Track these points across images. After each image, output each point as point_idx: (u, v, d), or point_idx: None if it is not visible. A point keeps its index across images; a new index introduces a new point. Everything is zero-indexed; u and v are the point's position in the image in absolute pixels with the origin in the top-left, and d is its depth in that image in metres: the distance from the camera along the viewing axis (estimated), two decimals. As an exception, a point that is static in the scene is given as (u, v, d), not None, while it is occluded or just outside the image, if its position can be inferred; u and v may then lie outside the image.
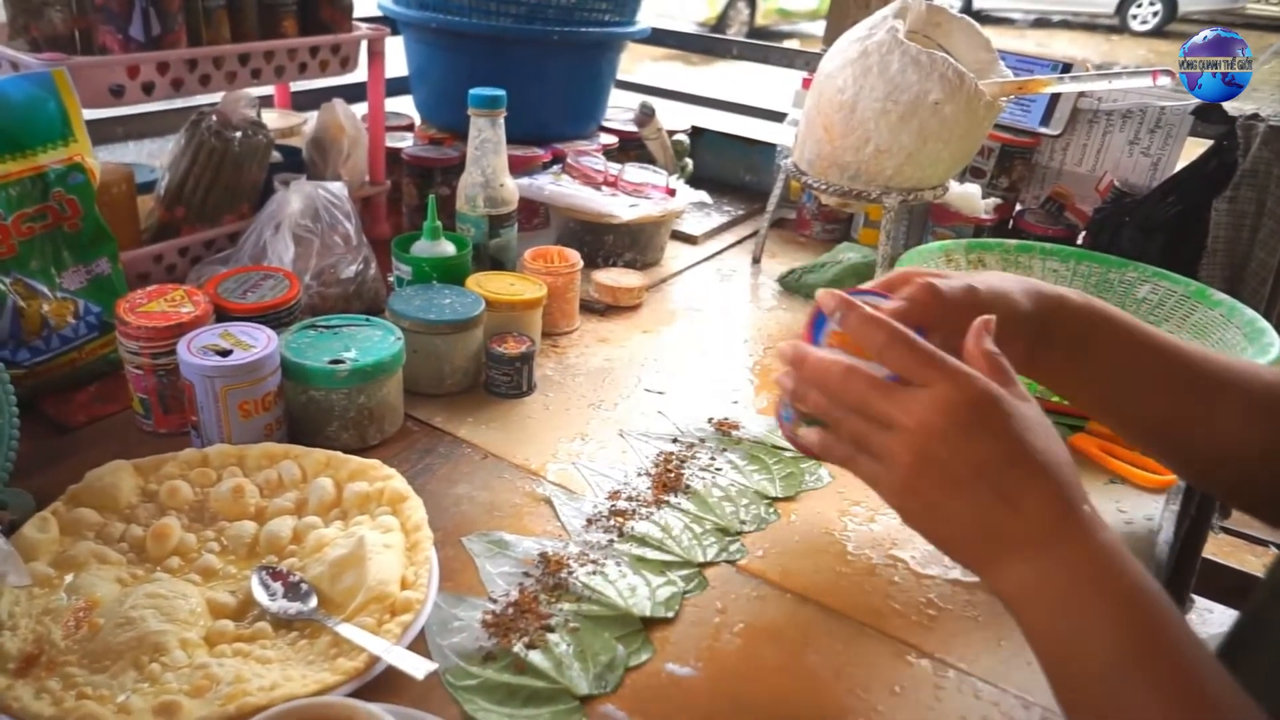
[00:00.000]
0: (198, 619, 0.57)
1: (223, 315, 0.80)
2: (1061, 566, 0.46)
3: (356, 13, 1.10)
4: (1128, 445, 0.85)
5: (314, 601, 0.59)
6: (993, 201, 1.32)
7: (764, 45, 1.80)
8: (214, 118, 0.98)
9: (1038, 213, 1.36)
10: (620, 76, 1.51)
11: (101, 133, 1.19)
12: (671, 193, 1.22)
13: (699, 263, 1.28)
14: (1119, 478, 0.83)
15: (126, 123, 1.28)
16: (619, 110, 1.53)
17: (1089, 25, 9.83)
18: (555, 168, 1.26)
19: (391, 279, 0.98)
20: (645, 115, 1.42)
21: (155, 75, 0.90)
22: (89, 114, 0.84)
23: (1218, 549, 1.71)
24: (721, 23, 8.10)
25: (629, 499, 0.75)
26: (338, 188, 0.99)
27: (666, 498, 0.75)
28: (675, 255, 1.29)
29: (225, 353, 0.72)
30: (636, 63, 5.26)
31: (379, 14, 1.33)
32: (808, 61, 1.62)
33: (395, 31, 1.32)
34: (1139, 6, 9.47)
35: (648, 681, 0.58)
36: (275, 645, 0.57)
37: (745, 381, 0.95)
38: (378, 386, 0.78)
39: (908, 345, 0.50)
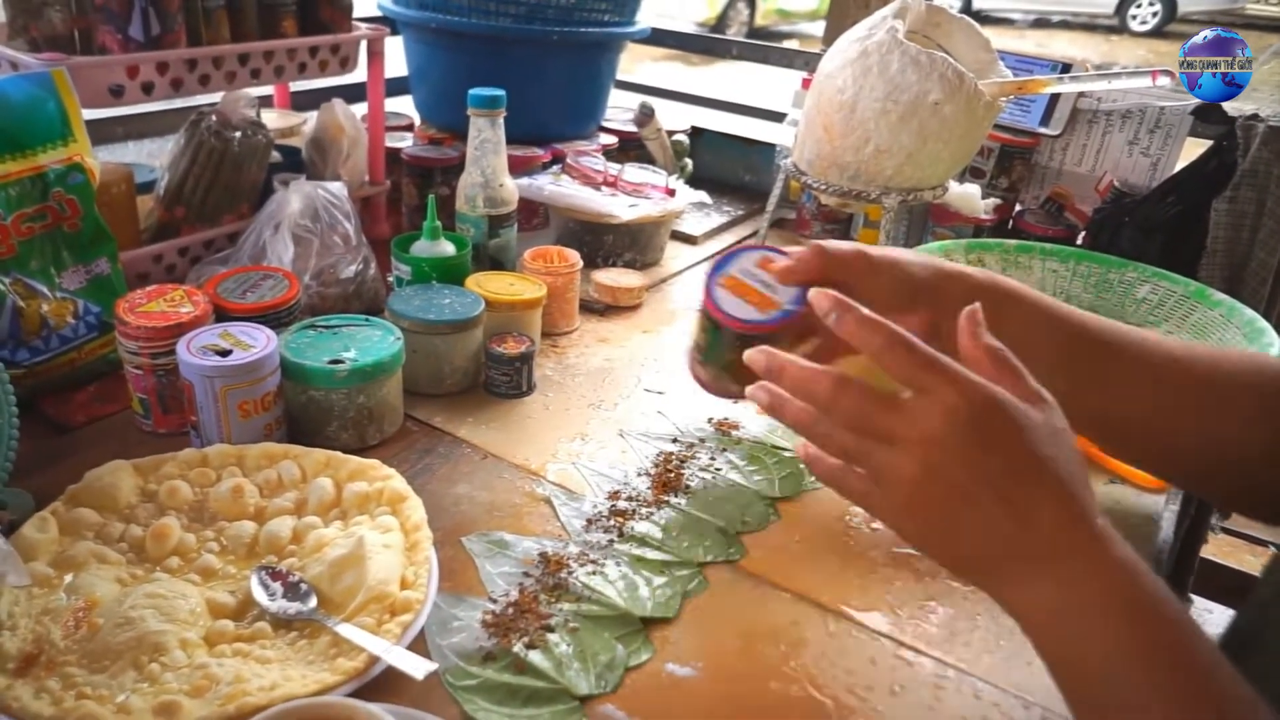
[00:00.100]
0: (197, 619, 0.57)
1: (222, 315, 0.80)
2: (1077, 583, 0.44)
3: (356, 13, 1.10)
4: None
5: (313, 601, 0.59)
6: (992, 202, 1.32)
7: (763, 45, 1.80)
8: (214, 118, 0.98)
9: (1037, 213, 1.36)
10: (620, 77, 1.51)
11: (101, 133, 1.19)
12: (671, 193, 1.22)
13: (699, 263, 1.28)
14: (1119, 477, 0.83)
15: (126, 123, 1.28)
16: (618, 110, 1.53)
17: (1088, 25, 9.83)
18: (555, 168, 1.26)
19: (391, 279, 0.98)
20: (645, 115, 1.42)
21: (155, 75, 0.90)
22: (88, 114, 0.84)
23: (1217, 549, 1.71)
24: (721, 23, 8.10)
25: (629, 499, 0.75)
26: (337, 188, 0.99)
27: (666, 498, 0.75)
28: (675, 255, 1.29)
29: (225, 353, 0.72)
30: (636, 63, 5.26)
31: (378, 14, 1.33)
32: (807, 62, 1.62)
33: (395, 31, 1.32)
34: (1138, 7, 9.47)
35: (648, 681, 0.58)
36: (275, 645, 0.57)
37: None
38: (377, 386, 0.78)
39: (907, 348, 0.47)
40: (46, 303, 0.79)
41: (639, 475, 0.78)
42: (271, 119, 1.25)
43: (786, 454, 0.82)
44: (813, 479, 0.80)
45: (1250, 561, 1.85)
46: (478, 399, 0.88)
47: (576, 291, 1.03)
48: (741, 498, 0.76)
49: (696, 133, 1.61)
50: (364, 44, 1.11)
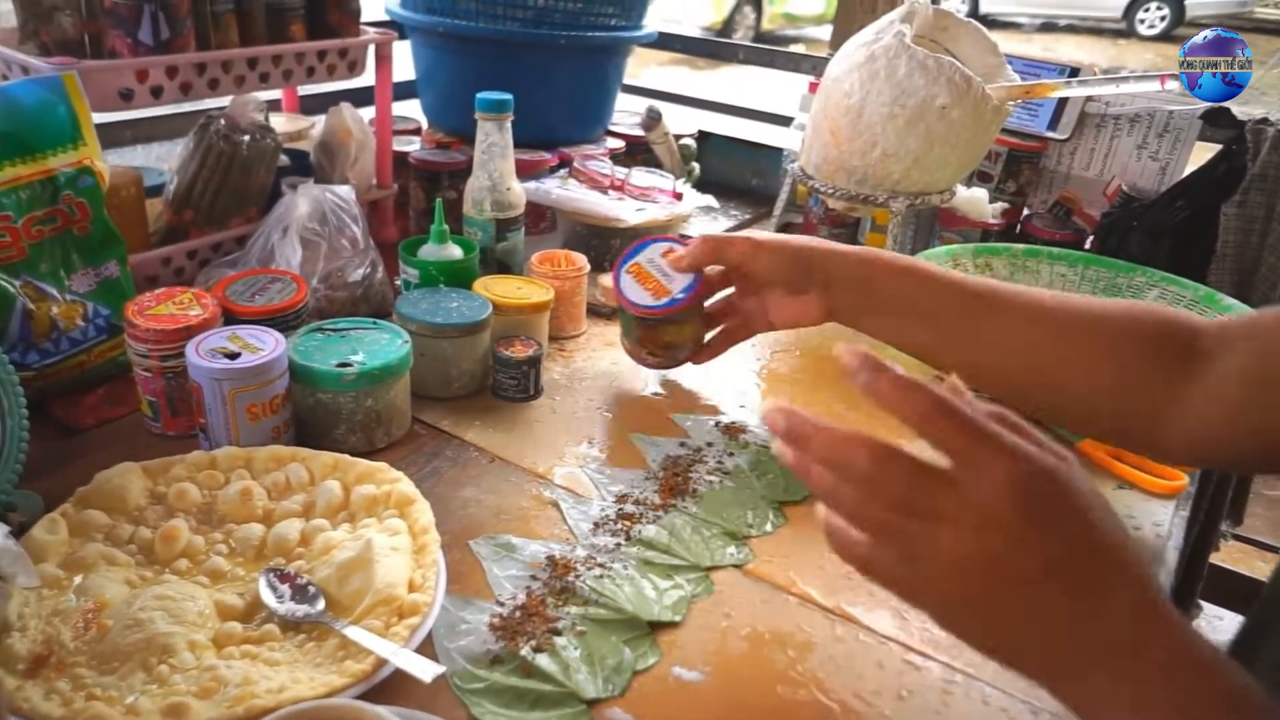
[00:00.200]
0: (206, 621, 0.57)
1: (231, 318, 0.80)
2: (1154, 674, 0.41)
3: (364, 17, 1.11)
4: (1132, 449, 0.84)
5: (321, 604, 0.59)
6: (1000, 206, 1.32)
7: (770, 50, 1.81)
8: (222, 121, 0.99)
9: (1045, 217, 1.36)
10: (627, 81, 1.52)
11: (110, 136, 1.20)
12: (678, 197, 1.22)
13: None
14: (1127, 483, 0.82)
15: (135, 126, 1.29)
16: (625, 114, 1.53)
17: (1096, 29, 9.81)
18: (562, 172, 1.26)
19: (399, 282, 0.98)
20: (652, 119, 1.42)
21: (164, 79, 0.90)
22: (98, 118, 0.84)
23: (1227, 555, 1.70)
24: (727, 27, 8.11)
25: (636, 503, 0.75)
26: (345, 191, 0.99)
27: (674, 501, 0.75)
28: (682, 259, 1.29)
29: (233, 355, 0.72)
30: (643, 67, 5.27)
31: (386, 18, 1.34)
32: (814, 66, 1.62)
33: (403, 36, 1.32)
34: (1146, 10, 9.46)
35: (655, 685, 0.58)
36: (283, 647, 0.57)
37: (752, 385, 0.95)
38: (385, 390, 0.78)
39: (953, 416, 0.42)
40: (56, 305, 0.79)
41: (646, 479, 0.78)
42: (280, 123, 1.26)
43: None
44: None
45: (1261, 568, 1.85)
46: (485, 402, 0.89)
47: (584, 295, 1.03)
48: (749, 501, 0.76)
49: (703, 137, 1.61)
50: (372, 48, 1.11)
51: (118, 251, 0.85)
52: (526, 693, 0.56)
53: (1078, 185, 1.35)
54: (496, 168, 1.01)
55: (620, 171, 1.23)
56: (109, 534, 0.64)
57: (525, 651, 0.59)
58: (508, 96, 0.99)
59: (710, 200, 1.28)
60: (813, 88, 1.44)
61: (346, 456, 0.72)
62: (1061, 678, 0.42)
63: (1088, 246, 1.29)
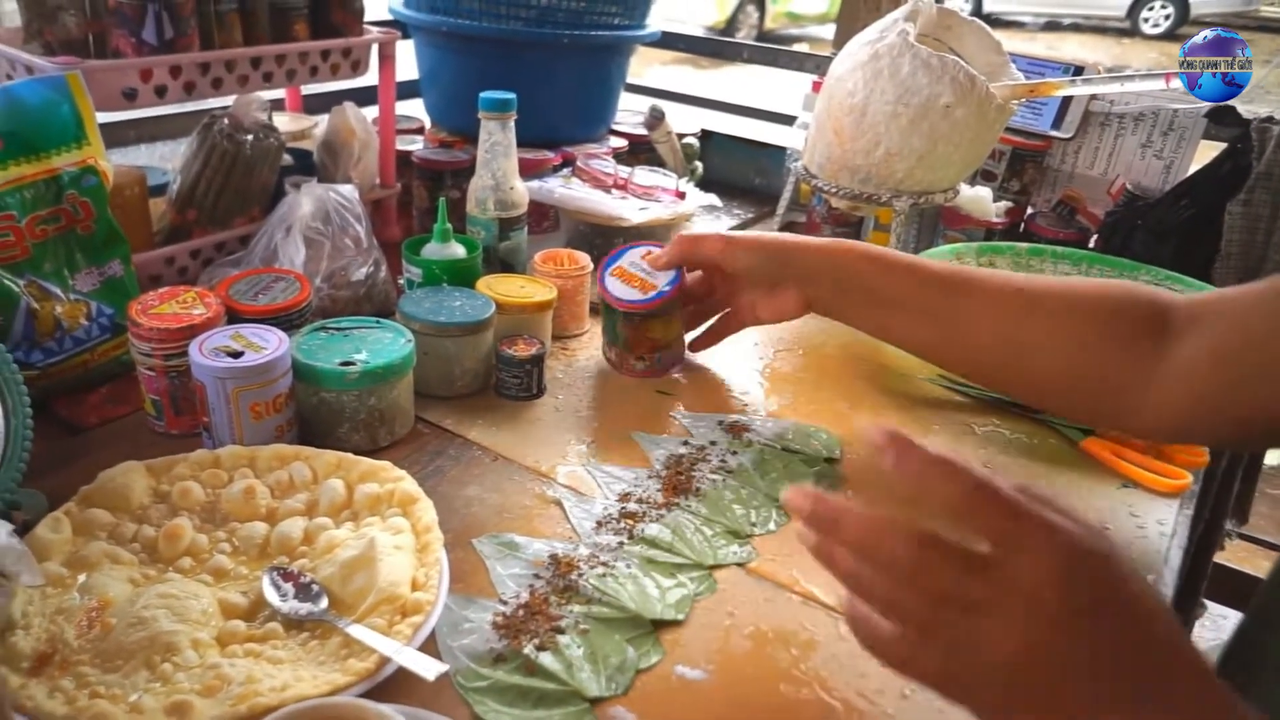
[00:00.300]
0: (209, 619, 0.57)
1: (234, 317, 0.80)
2: None
3: (367, 16, 1.11)
4: (1136, 447, 0.84)
5: (325, 602, 0.59)
6: (1004, 205, 1.32)
7: (773, 49, 1.80)
8: (226, 121, 0.99)
9: (1049, 216, 1.36)
10: (630, 80, 1.52)
11: (114, 136, 1.20)
12: (681, 196, 1.22)
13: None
14: (1131, 482, 0.82)
15: (139, 126, 1.29)
16: (629, 114, 1.53)
17: (1100, 28, 9.80)
18: (565, 171, 1.26)
19: (402, 281, 0.98)
20: (655, 118, 1.42)
21: (168, 78, 0.90)
22: (102, 117, 0.84)
23: (1232, 554, 1.70)
24: (730, 26, 8.12)
25: (639, 501, 0.75)
26: (348, 190, 0.99)
27: (677, 500, 0.75)
28: (685, 258, 1.29)
29: (237, 354, 0.72)
30: (646, 66, 5.27)
31: (390, 17, 1.34)
32: (818, 65, 1.62)
33: (406, 35, 1.32)
34: (1150, 9, 9.44)
35: (658, 684, 0.58)
36: (286, 646, 0.57)
37: (756, 384, 0.95)
38: (388, 388, 0.78)
39: (992, 496, 0.39)
40: (60, 304, 0.80)
41: (649, 477, 0.78)
42: (283, 122, 1.26)
43: (796, 457, 0.82)
44: (822, 482, 0.79)
45: (1266, 567, 1.84)
46: (488, 401, 0.89)
47: (587, 294, 1.03)
48: (752, 500, 0.76)
49: (706, 136, 1.61)
50: (375, 47, 1.11)
51: (121, 251, 0.85)
52: (529, 691, 0.56)
53: (1082, 184, 1.35)
54: (500, 167, 1.01)
55: (623, 170, 1.23)
56: (112, 532, 0.64)
57: (528, 650, 0.59)
58: (511, 96, 0.99)
59: (713, 199, 1.28)
60: (816, 87, 1.44)
61: (350, 455, 0.72)
62: None
63: (1092, 245, 1.29)
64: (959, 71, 0.99)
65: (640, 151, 1.44)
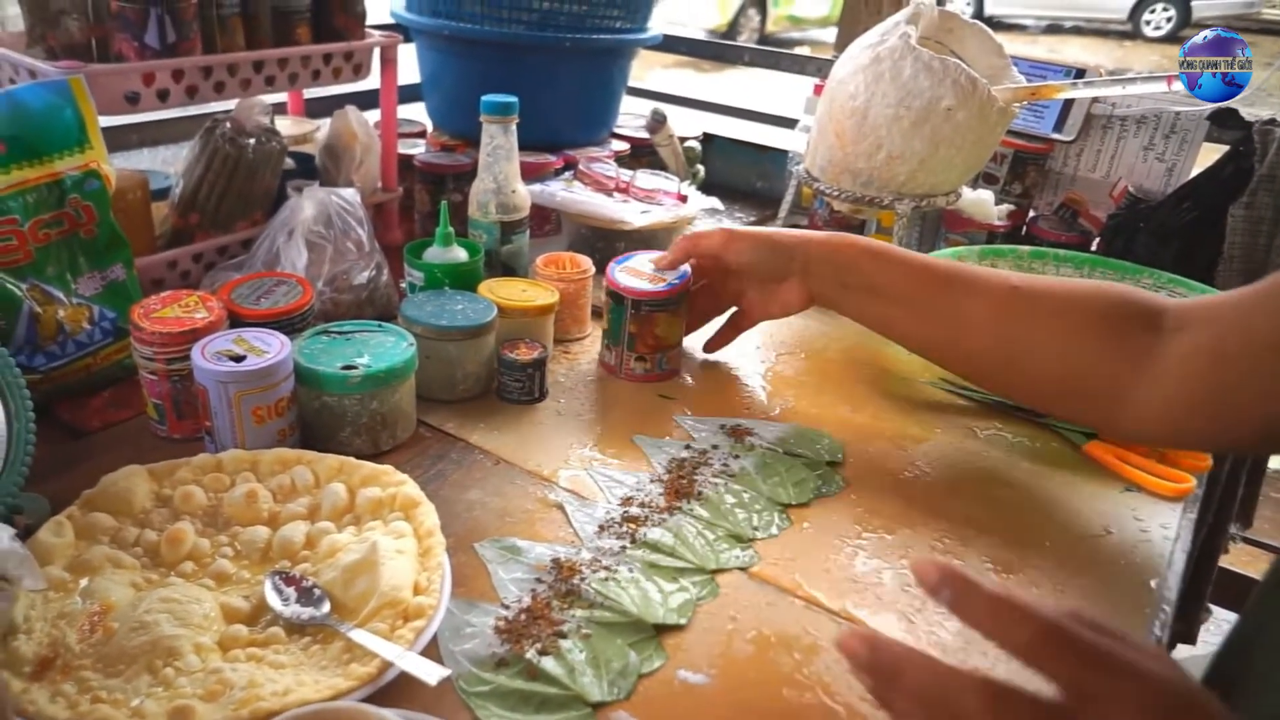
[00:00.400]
0: (211, 623, 0.57)
1: (236, 321, 0.80)
2: None
3: (369, 20, 1.11)
4: (1139, 450, 0.84)
5: (327, 607, 0.59)
6: (1006, 208, 1.32)
7: (775, 52, 1.80)
8: (228, 124, 0.99)
9: (1051, 219, 1.36)
10: (632, 83, 1.52)
11: (117, 140, 1.20)
12: (683, 199, 1.22)
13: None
14: (1135, 485, 0.82)
15: (142, 130, 1.29)
16: (630, 117, 1.53)
17: (1101, 31, 9.79)
18: (567, 174, 1.26)
19: (404, 285, 0.98)
20: (657, 122, 1.42)
21: (170, 82, 0.90)
22: (105, 121, 0.84)
23: (1235, 558, 1.70)
24: (732, 30, 8.12)
25: (641, 505, 0.75)
26: (350, 194, 1.00)
27: (679, 504, 0.75)
28: (687, 261, 1.29)
29: (239, 358, 0.72)
30: (648, 69, 5.27)
31: (392, 21, 1.34)
32: (819, 68, 1.62)
33: (408, 39, 1.33)
34: (1152, 12, 9.44)
35: (660, 688, 0.58)
36: (288, 650, 0.57)
37: (759, 388, 0.95)
38: (390, 392, 0.78)
39: (1068, 643, 0.36)
40: (62, 308, 0.80)
41: (651, 481, 0.78)
42: (285, 126, 1.26)
43: (800, 460, 0.82)
44: (826, 486, 0.79)
45: (1268, 570, 1.84)
46: (490, 405, 0.89)
47: (589, 298, 1.03)
48: (754, 504, 0.76)
49: (708, 139, 1.61)
50: (377, 51, 1.11)
51: (124, 255, 0.85)
52: (531, 696, 0.56)
53: (1084, 187, 1.35)
54: (501, 170, 1.01)
55: (625, 174, 1.23)
56: (115, 537, 0.64)
57: (530, 654, 0.59)
58: (513, 99, 0.99)
59: (715, 202, 1.28)
60: (818, 90, 1.44)
61: (352, 459, 0.72)
62: None
63: (1094, 248, 1.29)
64: (961, 74, 0.99)
65: (642, 155, 1.44)
